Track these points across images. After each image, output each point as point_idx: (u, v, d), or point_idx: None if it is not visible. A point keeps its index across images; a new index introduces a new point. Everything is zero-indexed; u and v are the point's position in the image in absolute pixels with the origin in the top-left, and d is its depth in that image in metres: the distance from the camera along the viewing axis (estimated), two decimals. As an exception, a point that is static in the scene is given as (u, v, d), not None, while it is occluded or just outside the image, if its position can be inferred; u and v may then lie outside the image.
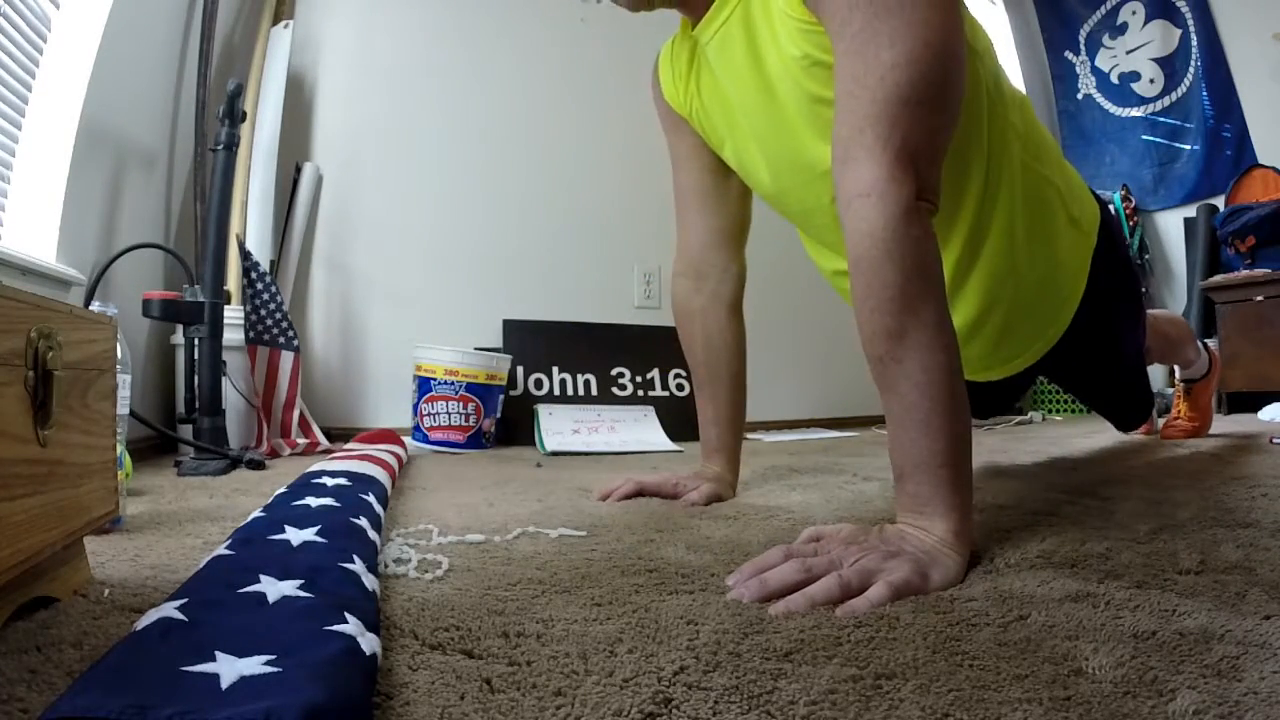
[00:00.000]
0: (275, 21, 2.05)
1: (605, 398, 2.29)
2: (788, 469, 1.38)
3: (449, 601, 0.54)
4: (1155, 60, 3.31)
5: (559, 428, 2.03)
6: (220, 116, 1.59)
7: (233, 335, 1.66)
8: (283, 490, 0.80)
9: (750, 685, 0.39)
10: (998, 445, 1.78)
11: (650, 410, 2.24)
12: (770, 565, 0.59)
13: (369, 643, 0.39)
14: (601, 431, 2.06)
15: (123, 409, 1.19)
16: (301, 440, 1.79)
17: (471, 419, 1.92)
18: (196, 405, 1.54)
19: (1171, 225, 3.32)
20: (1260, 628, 0.46)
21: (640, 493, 1.05)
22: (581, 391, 2.28)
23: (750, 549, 0.72)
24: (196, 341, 1.54)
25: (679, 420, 2.17)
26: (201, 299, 1.53)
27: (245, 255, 1.75)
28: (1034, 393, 3.07)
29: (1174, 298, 3.33)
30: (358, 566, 0.53)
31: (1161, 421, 1.80)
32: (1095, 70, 3.54)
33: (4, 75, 1.37)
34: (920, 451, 0.62)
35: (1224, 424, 2.07)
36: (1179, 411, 1.76)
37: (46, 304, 0.48)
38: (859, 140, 0.65)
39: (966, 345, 0.96)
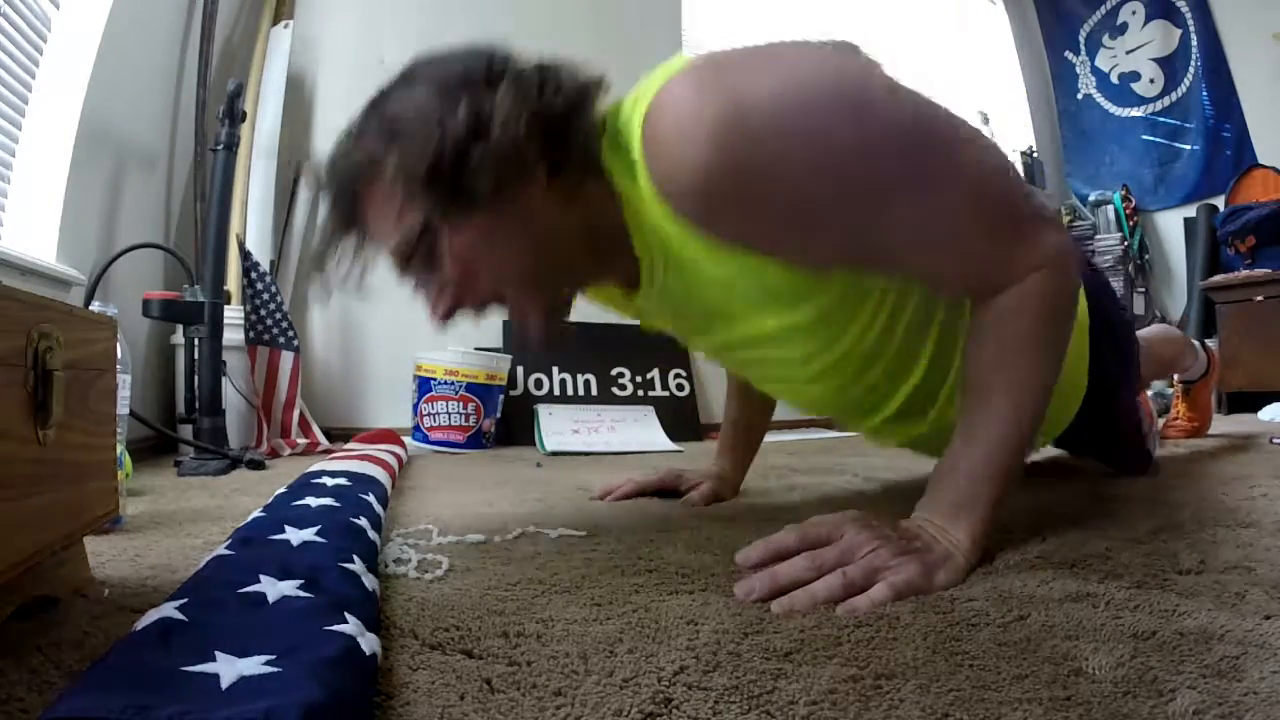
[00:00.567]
0: (275, 21, 2.05)
1: (605, 398, 2.29)
2: (788, 469, 1.38)
3: (449, 601, 0.54)
4: (1155, 60, 3.31)
5: (559, 428, 2.03)
6: (220, 116, 1.59)
7: (233, 335, 1.66)
8: (283, 490, 0.80)
9: (750, 685, 0.39)
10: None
11: (650, 410, 2.24)
12: (782, 548, 0.58)
13: (369, 643, 0.39)
14: (601, 431, 2.06)
15: (123, 409, 1.19)
16: (301, 440, 1.79)
17: (471, 419, 1.91)
18: (196, 405, 1.54)
19: (1171, 225, 3.32)
20: (1260, 628, 0.46)
21: (640, 493, 1.05)
22: (581, 391, 2.28)
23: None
24: (196, 341, 1.54)
25: (679, 420, 2.18)
26: (201, 299, 1.53)
27: (245, 255, 1.75)
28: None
29: (1174, 298, 3.33)
30: (358, 566, 0.53)
31: (1161, 421, 1.80)
32: (1095, 70, 3.54)
33: (4, 75, 1.37)
34: (984, 461, 0.62)
35: (1224, 424, 2.07)
36: (1178, 412, 1.76)
37: (46, 304, 0.48)
38: (986, 261, 0.62)
39: None
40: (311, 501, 0.71)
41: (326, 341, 2.14)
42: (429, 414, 1.90)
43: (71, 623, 0.48)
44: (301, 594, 0.45)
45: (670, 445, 2.02)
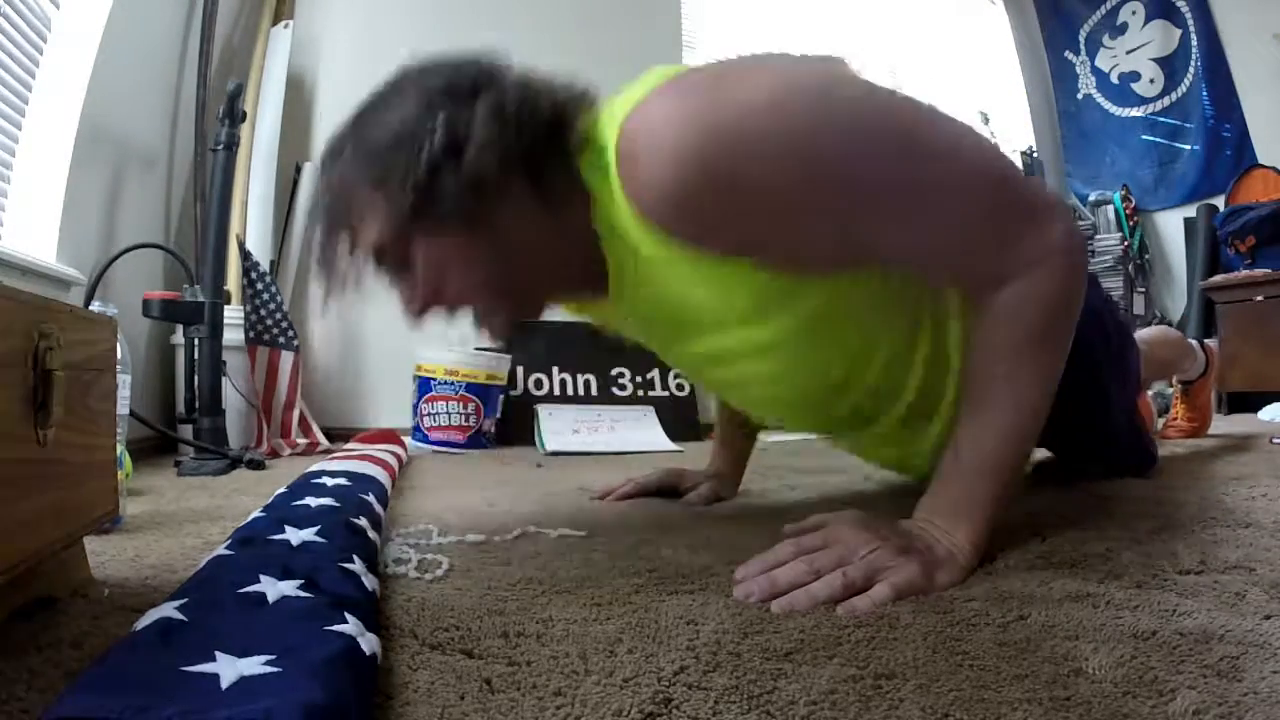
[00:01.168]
0: (275, 21, 2.05)
1: (605, 398, 2.29)
2: (788, 469, 1.38)
3: (449, 601, 0.54)
4: (1155, 60, 3.31)
5: (559, 428, 2.03)
6: (220, 116, 1.59)
7: (233, 335, 1.66)
8: (283, 490, 0.80)
9: (750, 685, 0.39)
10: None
11: (650, 410, 2.24)
12: (778, 562, 0.58)
13: (369, 643, 0.39)
14: (601, 431, 2.06)
15: (123, 409, 1.19)
16: (301, 440, 1.79)
17: (471, 419, 1.91)
18: (196, 405, 1.54)
19: (1171, 225, 3.32)
20: (1260, 628, 0.46)
21: (640, 493, 1.05)
22: (581, 391, 2.28)
23: (750, 549, 0.71)
24: (196, 341, 1.54)
25: (679, 420, 2.18)
26: (201, 299, 1.53)
27: (245, 255, 1.75)
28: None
29: (1174, 298, 3.33)
30: (358, 566, 0.53)
31: (1161, 421, 1.80)
32: (1095, 70, 3.54)
33: (4, 75, 1.37)
34: (986, 459, 0.62)
35: (1224, 424, 2.07)
36: (1178, 412, 1.76)
37: (46, 304, 0.48)
38: (976, 258, 0.62)
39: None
40: (311, 501, 0.71)
41: (326, 341, 2.14)
42: (429, 414, 1.90)
43: (71, 623, 0.48)
44: (301, 594, 0.45)
45: (670, 445, 2.02)
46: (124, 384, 1.15)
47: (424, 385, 1.92)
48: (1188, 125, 3.20)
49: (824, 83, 0.58)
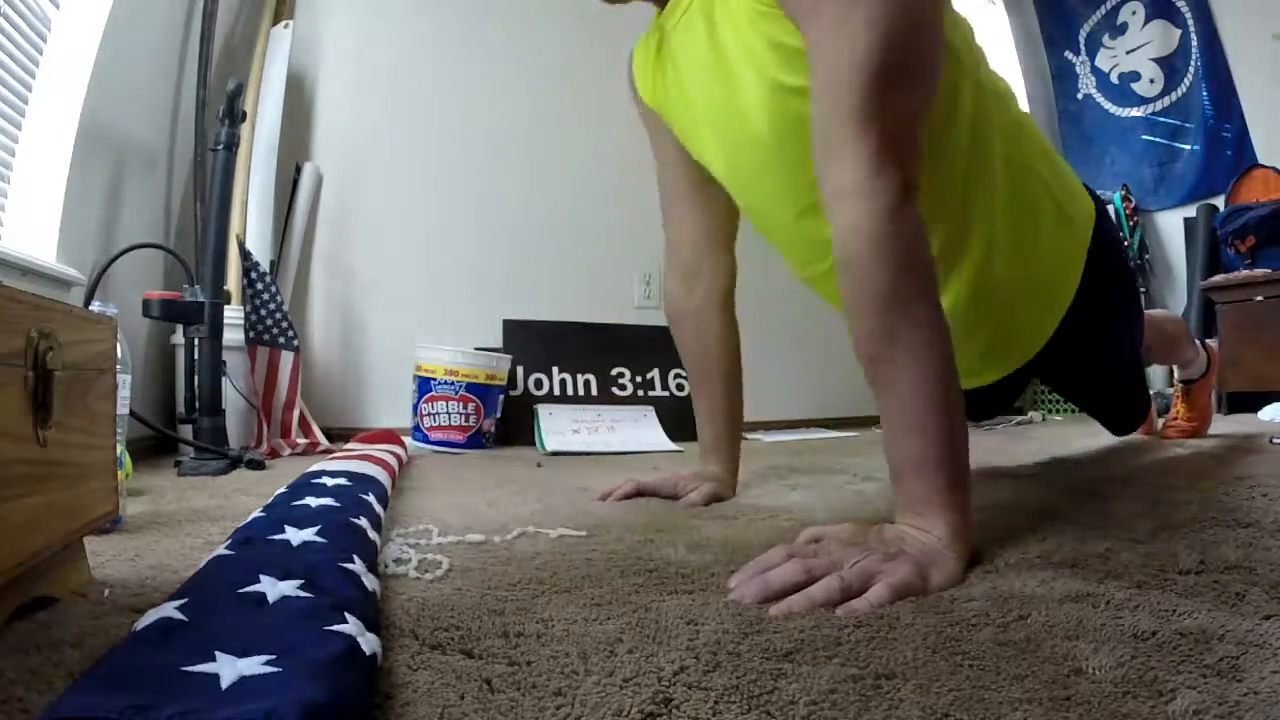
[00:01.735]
0: (275, 21, 2.05)
1: (605, 398, 2.29)
2: (788, 469, 1.38)
3: (449, 601, 0.54)
4: (1155, 60, 3.31)
5: (559, 428, 2.03)
6: (220, 116, 1.59)
7: (233, 335, 1.66)
8: (283, 490, 0.80)
9: (750, 685, 0.39)
10: (998, 445, 1.77)
11: (650, 410, 2.24)
12: (772, 565, 0.59)
13: (369, 643, 0.39)
14: (601, 431, 2.06)
15: (123, 409, 1.19)
16: (301, 440, 1.79)
17: (471, 419, 1.92)
18: (196, 405, 1.54)
19: (1171, 225, 3.32)
20: (1260, 628, 0.46)
21: (640, 493, 1.05)
22: (581, 391, 2.28)
23: (750, 549, 0.72)
24: (196, 341, 1.54)
25: (679, 420, 2.17)
26: (201, 299, 1.53)
27: (245, 255, 1.75)
28: (1034, 393, 3.07)
29: (1174, 298, 3.33)
30: (358, 566, 0.53)
31: (1161, 421, 1.80)
32: (1095, 70, 3.54)
33: (4, 75, 1.37)
34: (916, 451, 0.62)
35: (1224, 424, 2.07)
36: (1178, 412, 1.76)
37: (46, 304, 0.48)
38: (840, 135, 0.64)
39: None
40: (311, 501, 0.71)
41: (326, 341, 2.14)
42: (429, 414, 1.91)
43: (71, 623, 0.48)
44: (301, 594, 0.45)
45: (670, 445, 2.02)
46: (124, 384, 1.15)
47: (424, 385, 1.92)
48: (1188, 125, 3.20)
49: None
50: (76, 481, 0.52)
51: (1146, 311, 1.27)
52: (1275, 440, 1.55)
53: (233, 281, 1.77)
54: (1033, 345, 1.01)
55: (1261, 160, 2.92)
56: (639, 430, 2.12)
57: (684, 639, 0.46)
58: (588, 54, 2.46)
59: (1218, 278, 2.78)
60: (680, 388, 2.38)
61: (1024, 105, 0.98)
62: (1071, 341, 1.00)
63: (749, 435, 2.23)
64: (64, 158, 1.44)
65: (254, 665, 0.34)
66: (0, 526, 0.40)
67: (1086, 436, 1.92)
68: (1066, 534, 0.73)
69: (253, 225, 1.91)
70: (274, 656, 0.35)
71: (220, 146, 1.59)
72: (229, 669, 0.33)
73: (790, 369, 2.68)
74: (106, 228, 1.62)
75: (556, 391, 2.25)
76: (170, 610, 0.40)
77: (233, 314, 1.68)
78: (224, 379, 1.59)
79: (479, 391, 1.93)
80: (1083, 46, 3.58)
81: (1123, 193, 3.33)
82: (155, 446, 1.69)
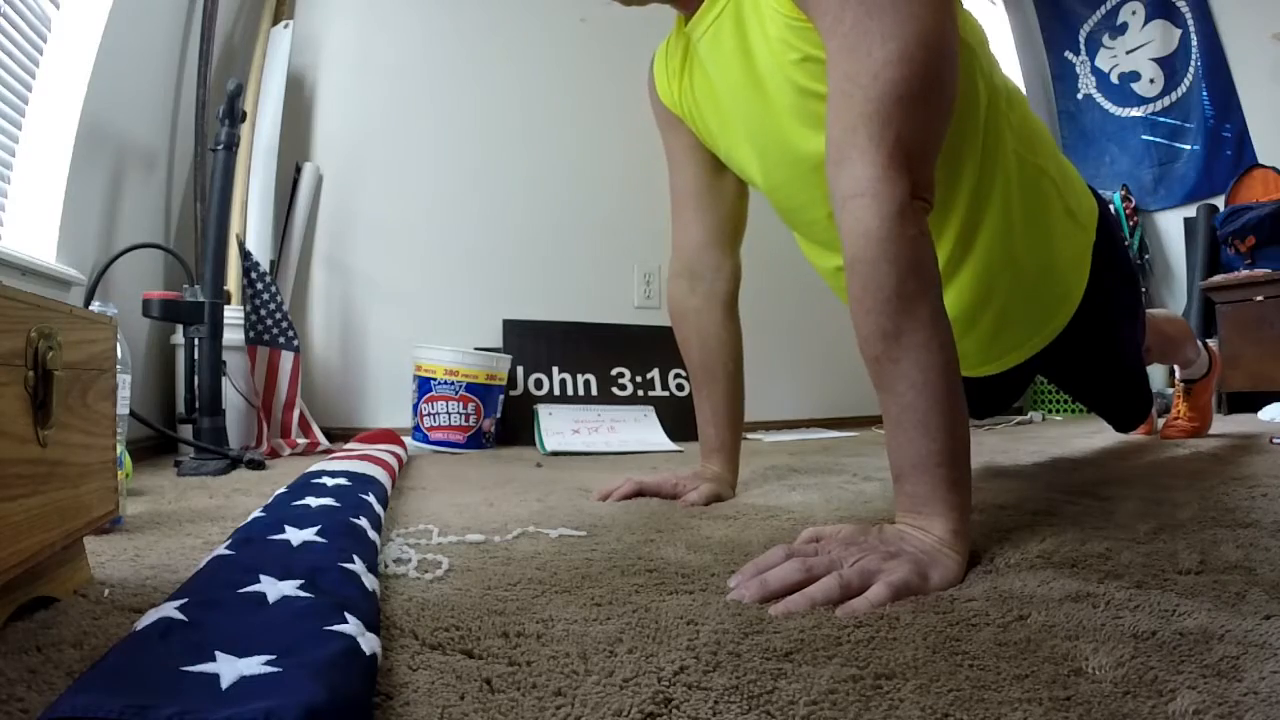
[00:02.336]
0: (275, 21, 2.05)
1: (605, 398, 2.29)
2: (788, 469, 1.38)
3: (449, 601, 0.54)
4: (1155, 60, 3.31)
5: (559, 428, 2.03)
6: (220, 116, 1.59)
7: (233, 335, 1.66)
8: (283, 490, 0.80)
9: (750, 685, 0.39)
10: (998, 445, 1.78)
11: (650, 410, 2.24)
12: (771, 565, 0.59)
13: (369, 643, 0.39)
14: (601, 431, 2.06)
15: (123, 409, 1.19)
16: (301, 440, 1.79)
17: (471, 419, 1.91)
18: (196, 405, 1.54)
19: (1171, 225, 3.32)
20: (1260, 628, 0.46)
21: (640, 493, 1.05)
22: (581, 391, 2.28)
23: (750, 549, 0.72)
24: (196, 341, 1.54)
25: (679, 420, 2.17)
26: (201, 299, 1.53)
27: (245, 255, 1.75)
28: (1034, 392, 3.07)
29: (1174, 298, 3.33)
30: (358, 566, 0.53)
31: (1161, 421, 1.80)
32: (1095, 70, 3.54)
33: (4, 75, 1.37)
34: (918, 452, 0.62)
35: (1224, 424, 2.07)
36: (1179, 411, 1.76)
37: (46, 304, 0.48)
38: (852, 140, 0.65)
39: (961, 340, 0.95)
40: (311, 501, 0.71)
41: (326, 341, 2.14)
42: (429, 414, 1.91)
43: (71, 623, 0.48)
44: (302, 594, 0.45)
45: (670, 445, 2.02)
46: (124, 384, 1.15)
47: (424, 385, 1.92)
48: (1188, 125, 3.20)
49: None
50: (76, 481, 0.52)
51: (1148, 311, 1.28)
52: (1275, 440, 1.55)
53: (233, 281, 1.77)
54: (1041, 340, 1.03)
55: (1261, 160, 2.92)
56: (639, 430, 2.12)
57: (684, 639, 0.46)
58: (588, 55, 2.46)
59: (1218, 278, 2.78)
60: (680, 388, 2.38)
61: (1024, 105, 1.00)
62: (1077, 336, 1.01)
63: (750, 435, 2.23)
64: (64, 158, 1.44)
65: (254, 665, 0.34)
66: (0, 526, 0.40)
67: (1086, 437, 1.92)
68: (1066, 534, 0.73)
69: (253, 225, 1.91)
70: (274, 656, 0.35)
71: (220, 146, 1.59)
72: (229, 669, 0.33)
73: (791, 369, 2.68)
74: (106, 228, 1.62)
75: (556, 391, 2.25)
76: (170, 610, 0.40)
77: (233, 314, 1.68)
78: (224, 379, 1.59)
79: (479, 391, 1.93)
80: (1083, 46, 3.58)
81: (1123, 193, 3.33)
82: (155, 446, 1.69)
